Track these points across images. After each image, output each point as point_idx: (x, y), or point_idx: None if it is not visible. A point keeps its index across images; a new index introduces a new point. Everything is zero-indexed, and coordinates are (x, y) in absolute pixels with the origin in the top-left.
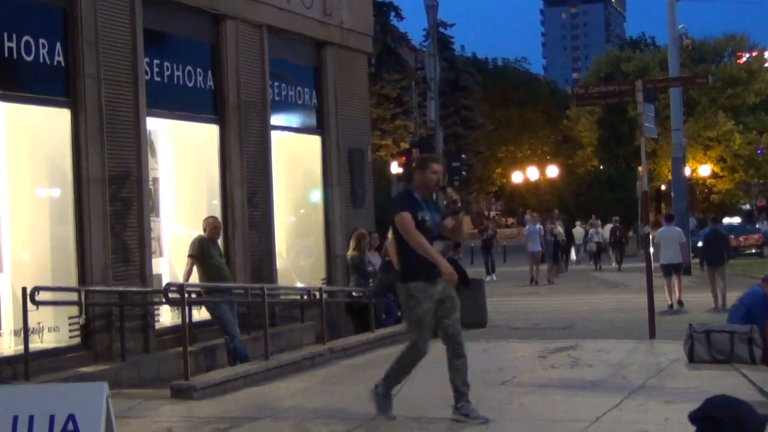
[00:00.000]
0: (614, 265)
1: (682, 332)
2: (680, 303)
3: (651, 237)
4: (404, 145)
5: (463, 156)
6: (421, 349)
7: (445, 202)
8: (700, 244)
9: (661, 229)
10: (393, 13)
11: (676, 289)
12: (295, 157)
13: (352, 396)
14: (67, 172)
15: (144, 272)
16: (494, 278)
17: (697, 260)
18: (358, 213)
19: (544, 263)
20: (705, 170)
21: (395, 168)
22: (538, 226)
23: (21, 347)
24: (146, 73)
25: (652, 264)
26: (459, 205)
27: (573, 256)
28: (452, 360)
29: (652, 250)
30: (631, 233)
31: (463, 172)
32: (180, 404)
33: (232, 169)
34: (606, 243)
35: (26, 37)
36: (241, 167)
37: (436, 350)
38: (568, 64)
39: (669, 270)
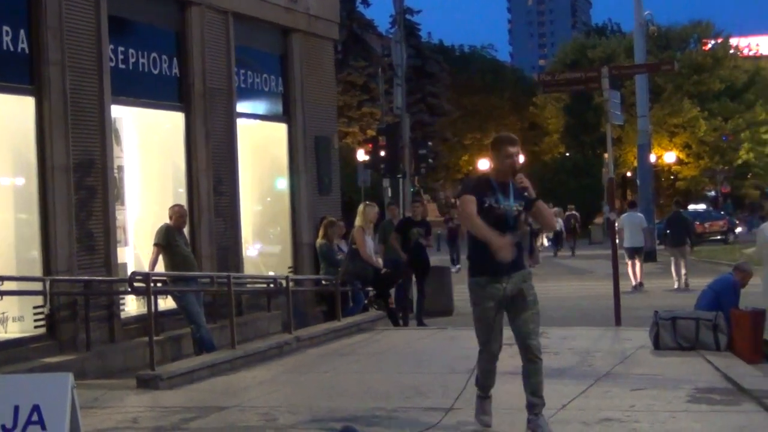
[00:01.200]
0: (569, 252)
1: (648, 319)
2: (641, 284)
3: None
4: (371, 133)
5: (429, 143)
6: (486, 350)
7: None
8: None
9: (624, 214)
10: (359, 0)
11: (638, 270)
12: (262, 145)
13: (318, 385)
14: (31, 160)
15: (109, 261)
16: (459, 268)
17: (663, 246)
18: (325, 201)
19: None
20: (670, 157)
21: (362, 155)
22: None
23: None
24: (111, 60)
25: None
26: (528, 192)
27: (545, 242)
28: (524, 365)
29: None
30: (599, 219)
31: (430, 160)
32: (146, 394)
33: (197, 157)
34: (562, 230)
35: None
36: (206, 155)
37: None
38: (534, 51)
39: (632, 253)
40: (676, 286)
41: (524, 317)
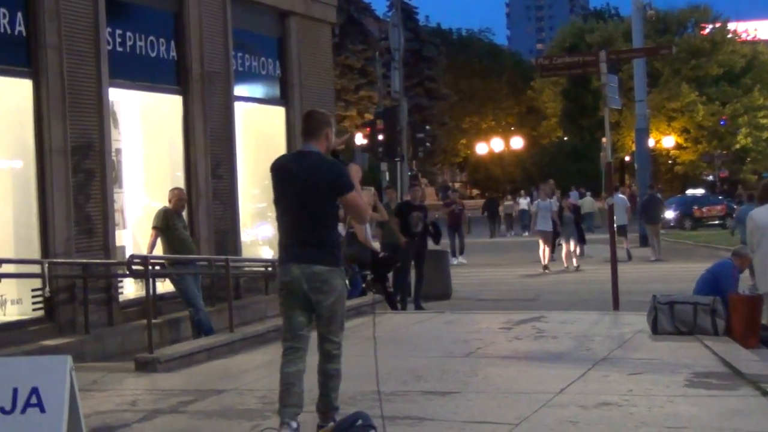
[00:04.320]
0: None
1: (646, 304)
2: (629, 254)
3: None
4: (368, 116)
5: (427, 127)
6: None
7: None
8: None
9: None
10: None
11: (624, 244)
12: (259, 129)
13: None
14: (29, 143)
15: (107, 244)
16: (463, 261)
17: (662, 231)
18: None
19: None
20: (669, 141)
21: (359, 139)
22: (550, 200)
23: None
24: (108, 43)
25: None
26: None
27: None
28: None
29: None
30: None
31: (428, 143)
32: (144, 377)
33: (195, 140)
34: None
35: None
36: (204, 138)
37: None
38: (532, 35)
39: (620, 230)
40: (653, 257)
41: None
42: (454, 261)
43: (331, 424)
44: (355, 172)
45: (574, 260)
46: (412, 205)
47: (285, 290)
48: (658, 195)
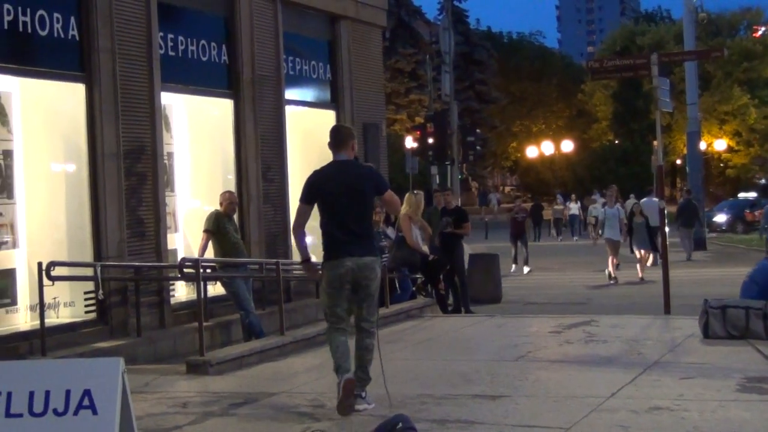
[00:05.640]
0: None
1: (697, 307)
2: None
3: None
4: (419, 120)
5: (477, 130)
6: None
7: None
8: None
9: (643, 200)
10: None
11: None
12: (310, 132)
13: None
14: (82, 147)
15: (159, 247)
16: (526, 271)
17: (713, 234)
18: None
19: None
20: (720, 144)
21: (410, 142)
22: (618, 207)
23: (37, 322)
24: (160, 47)
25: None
26: None
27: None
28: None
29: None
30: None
31: (478, 147)
32: (195, 380)
33: (246, 144)
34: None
35: (40, 12)
36: (255, 142)
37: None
38: (582, 38)
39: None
40: (686, 258)
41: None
42: (514, 269)
43: (365, 393)
44: None
45: (640, 269)
46: (446, 210)
47: (338, 281)
48: (695, 202)
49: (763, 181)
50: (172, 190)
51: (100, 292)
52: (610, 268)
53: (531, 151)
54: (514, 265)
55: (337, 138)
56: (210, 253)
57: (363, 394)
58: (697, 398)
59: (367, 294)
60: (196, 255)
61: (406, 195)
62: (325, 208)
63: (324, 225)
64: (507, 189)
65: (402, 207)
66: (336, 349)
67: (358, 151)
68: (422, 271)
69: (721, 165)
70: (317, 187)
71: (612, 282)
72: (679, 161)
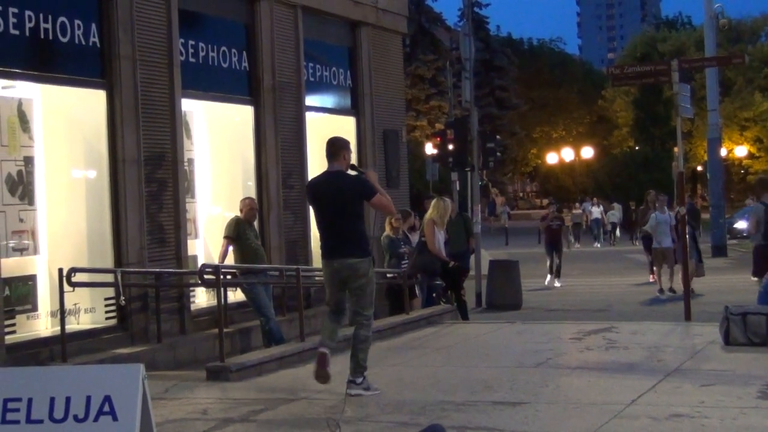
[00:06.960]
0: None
1: (718, 314)
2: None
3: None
4: (439, 126)
5: (497, 137)
6: None
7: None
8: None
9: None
10: None
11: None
12: None
13: (386, 378)
14: (102, 153)
15: (179, 253)
16: (557, 284)
17: (734, 241)
18: (393, 194)
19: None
20: (741, 151)
21: (430, 149)
22: (669, 213)
23: (58, 328)
24: (181, 54)
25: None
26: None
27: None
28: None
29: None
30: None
31: (498, 153)
32: (215, 386)
33: (267, 150)
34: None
35: (62, 19)
36: (276, 148)
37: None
38: (603, 44)
39: None
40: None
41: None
42: (548, 280)
43: (360, 379)
44: (374, 176)
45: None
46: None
47: (328, 278)
48: (697, 207)
49: None
50: (193, 197)
51: (122, 298)
52: (661, 280)
53: (551, 158)
54: (549, 276)
55: (331, 150)
56: (230, 260)
57: (358, 380)
58: (718, 405)
59: (357, 289)
60: (216, 261)
61: (434, 200)
62: (316, 213)
63: (318, 228)
64: (527, 193)
65: (428, 212)
66: (324, 328)
67: (378, 158)
68: (443, 278)
69: (742, 171)
70: (311, 194)
71: (670, 294)
72: (699, 167)
